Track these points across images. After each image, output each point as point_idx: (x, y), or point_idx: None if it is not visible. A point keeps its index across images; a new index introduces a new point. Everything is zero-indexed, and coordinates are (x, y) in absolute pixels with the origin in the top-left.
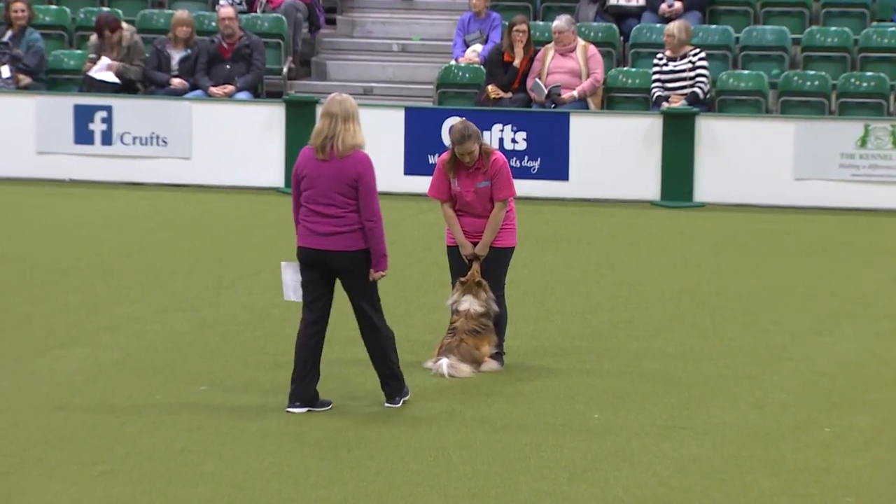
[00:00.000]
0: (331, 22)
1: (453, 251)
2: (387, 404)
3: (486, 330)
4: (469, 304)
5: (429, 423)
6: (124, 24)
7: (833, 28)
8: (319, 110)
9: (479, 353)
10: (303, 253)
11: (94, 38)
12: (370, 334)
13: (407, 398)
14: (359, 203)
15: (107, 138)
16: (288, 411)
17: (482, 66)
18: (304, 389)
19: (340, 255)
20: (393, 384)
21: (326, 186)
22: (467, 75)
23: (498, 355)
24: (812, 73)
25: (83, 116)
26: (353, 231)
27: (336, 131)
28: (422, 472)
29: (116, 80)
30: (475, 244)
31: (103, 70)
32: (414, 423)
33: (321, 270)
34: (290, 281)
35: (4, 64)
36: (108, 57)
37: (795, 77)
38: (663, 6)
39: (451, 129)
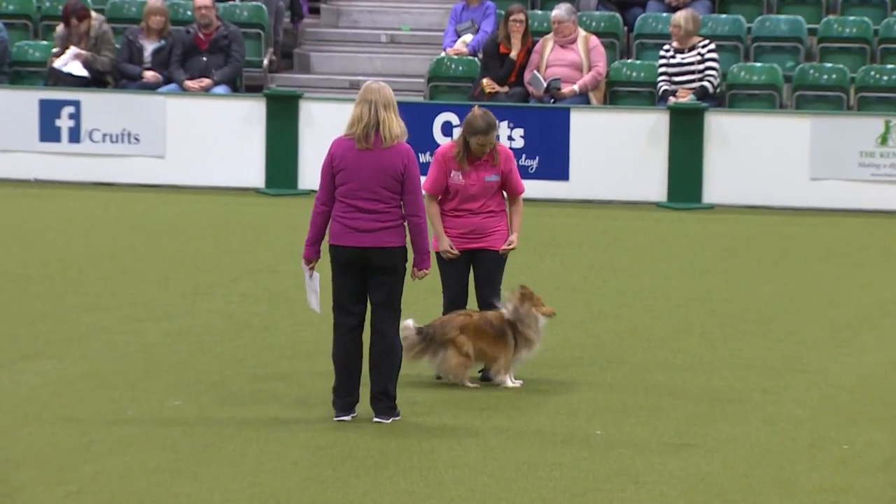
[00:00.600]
0: (314, 11)
1: (442, 257)
2: (375, 419)
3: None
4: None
5: (419, 440)
6: (93, 13)
7: (852, 18)
8: (355, 99)
9: (453, 342)
10: (340, 252)
11: (60, 28)
12: (379, 343)
13: (398, 418)
14: (403, 197)
15: (74, 135)
16: (337, 420)
17: (476, 59)
18: (350, 399)
19: (382, 252)
20: (385, 402)
21: (370, 180)
22: (461, 68)
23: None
24: (829, 65)
25: (49, 112)
26: (396, 227)
27: (380, 118)
28: (412, 492)
29: (85, 72)
30: (470, 251)
31: (71, 61)
32: (403, 439)
33: (358, 271)
34: (311, 286)
35: None
36: (76, 48)
37: (811, 70)
38: None
39: (470, 118)
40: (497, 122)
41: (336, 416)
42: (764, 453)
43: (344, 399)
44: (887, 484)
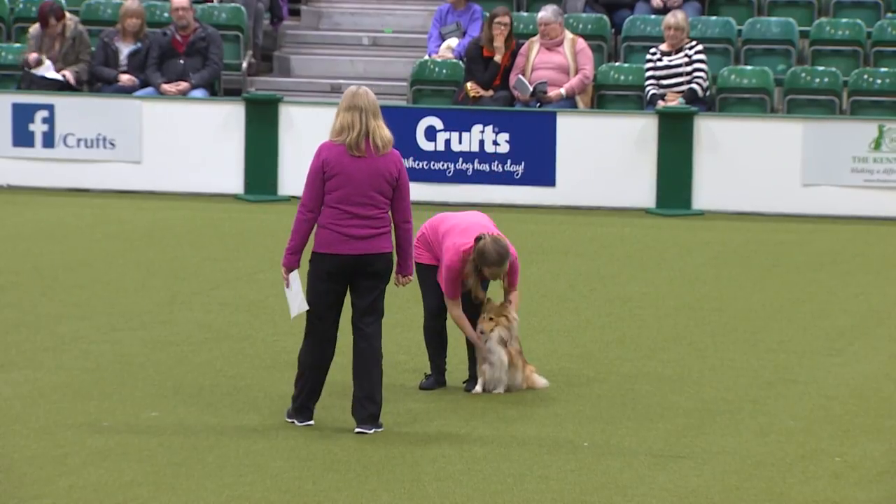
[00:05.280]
0: (294, 13)
1: (424, 269)
2: (358, 429)
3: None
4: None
5: (402, 451)
6: (68, 14)
7: (844, 20)
8: (339, 105)
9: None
10: (335, 260)
11: (34, 28)
12: (365, 349)
13: (380, 430)
14: (395, 203)
15: (48, 140)
16: (303, 425)
17: (460, 62)
18: (312, 406)
19: (379, 258)
20: (369, 409)
21: (365, 184)
22: (444, 71)
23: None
24: (821, 68)
25: (22, 116)
26: (387, 232)
27: (370, 128)
28: None
29: (59, 76)
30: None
31: (45, 67)
32: (386, 450)
33: (345, 281)
34: (296, 293)
35: None
36: (52, 50)
37: (803, 73)
38: None
39: (481, 248)
40: (509, 247)
41: (301, 422)
42: (755, 465)
43: (308, 406)
44: (882, 497)
